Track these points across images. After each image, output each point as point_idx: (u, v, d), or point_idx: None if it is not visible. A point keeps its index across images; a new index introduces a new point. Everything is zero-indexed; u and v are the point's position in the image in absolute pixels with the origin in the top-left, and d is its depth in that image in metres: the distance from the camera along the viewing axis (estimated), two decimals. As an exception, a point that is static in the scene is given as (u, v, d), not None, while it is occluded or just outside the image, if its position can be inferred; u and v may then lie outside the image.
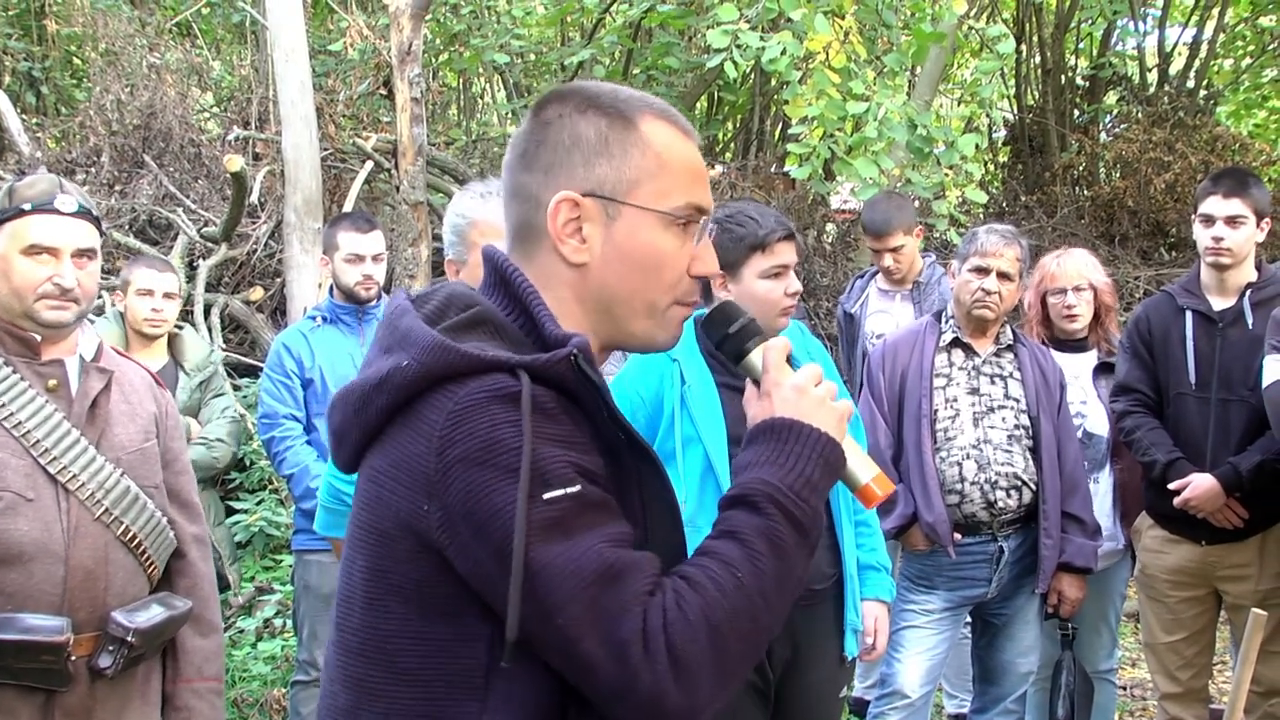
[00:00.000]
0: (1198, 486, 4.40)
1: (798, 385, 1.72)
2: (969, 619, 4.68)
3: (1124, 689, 6.19)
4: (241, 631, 6.54)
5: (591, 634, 1.48)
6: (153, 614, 2.86)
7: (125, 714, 2.92)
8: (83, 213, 2.93)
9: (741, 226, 3.52)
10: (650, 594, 1.51)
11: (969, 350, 4.48)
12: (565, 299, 1.71)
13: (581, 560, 1.48)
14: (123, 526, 2.86)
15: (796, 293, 3.50)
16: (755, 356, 1.82)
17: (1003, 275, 4.36)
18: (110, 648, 2.81)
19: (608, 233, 1.69)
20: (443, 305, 1.69)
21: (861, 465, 1.78)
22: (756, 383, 1.81)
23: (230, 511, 6.59)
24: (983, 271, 4.37)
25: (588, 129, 1.70)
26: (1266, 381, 4.16)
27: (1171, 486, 4.45)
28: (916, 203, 9.46)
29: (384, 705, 1.61)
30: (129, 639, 2.80)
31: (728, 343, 1.84)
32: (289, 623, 6.27)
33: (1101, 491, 4.76)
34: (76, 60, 13.33)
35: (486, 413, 1.52)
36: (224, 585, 5.30)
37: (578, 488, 1.52)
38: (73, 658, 2.75)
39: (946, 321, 4.54)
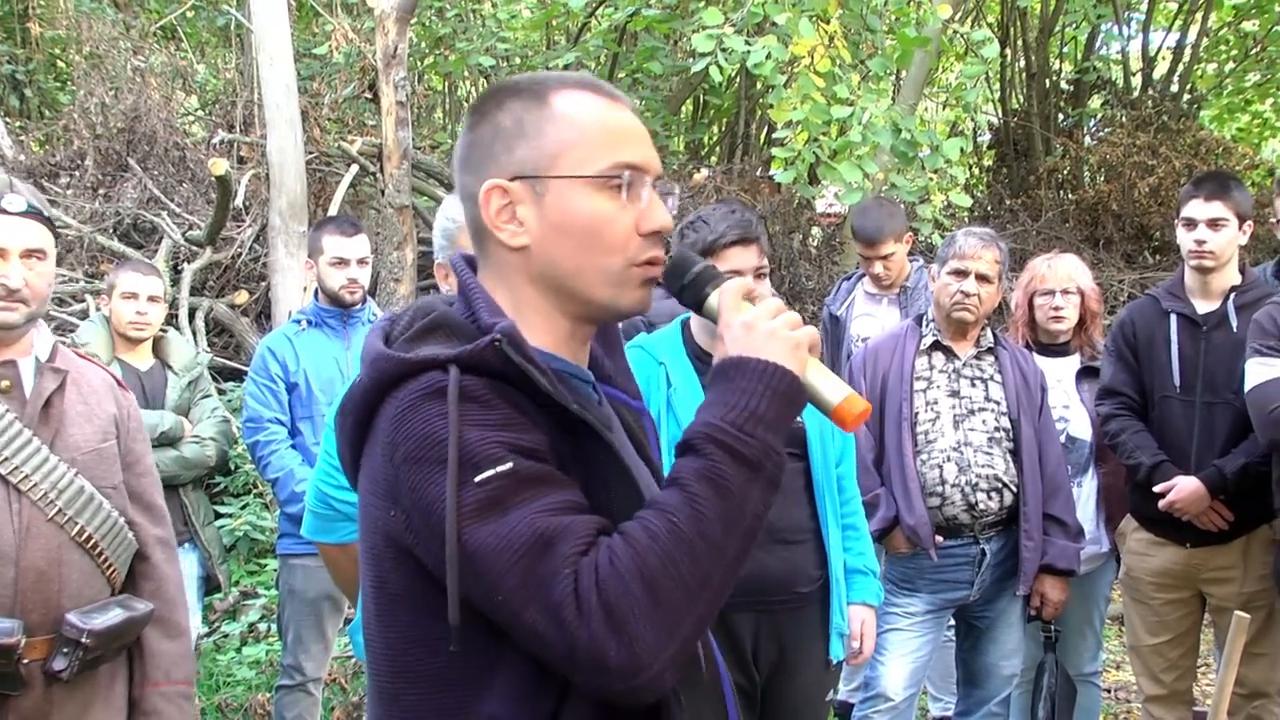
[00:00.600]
0: (1182, 489, 4.41)
1: (746, 322, 1.69)
2: (953, 622, 4.68)
3: (1109, 691, 6.21)
4: (226, 636, 6.53)
5: (530, 604, 1.48)
6: (111, 616, 2.81)
7: (86, 718, 2.88)
8: (32, 212, 2.90)
9: (695, 232, 3.53)
10: (583, 554, 1.50)
11: (949, 353, 4.49)
12: (519, 285, 1.74)
13: (513, 534, 1.49)
14: (77, 527, 2.81)
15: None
16: (713, 301, 1.79)
17: (981, 277, 4.37)
18: (65, 650, 2.76)
19: (540, 211, 1.70)
20: (410, 318, 1.73)
21: (830, 388, 1.72)
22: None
23: (215, 515, 6.57)
24: (961, 274, 4.38)
25: (505, 118, 1.73)
26: (1249, 385, 4.17)
27: (1156, 489, 4.46)
28: (901, 206, 9.49)
29: (406, 709, 1.65)
30: (84, 640, 2.74)
31: (686, 292, 1.81)
32: (274, 627, 6.26)
33: (1084, 495, 4.77)
34: (60, 63, 13.31)
35: (420, 411, 1.55)
36: (215, 587, 5.29)
37: (509, 465, 1.53)
38: (25, 660, 2.70)
39: (927, 325, 4.55)
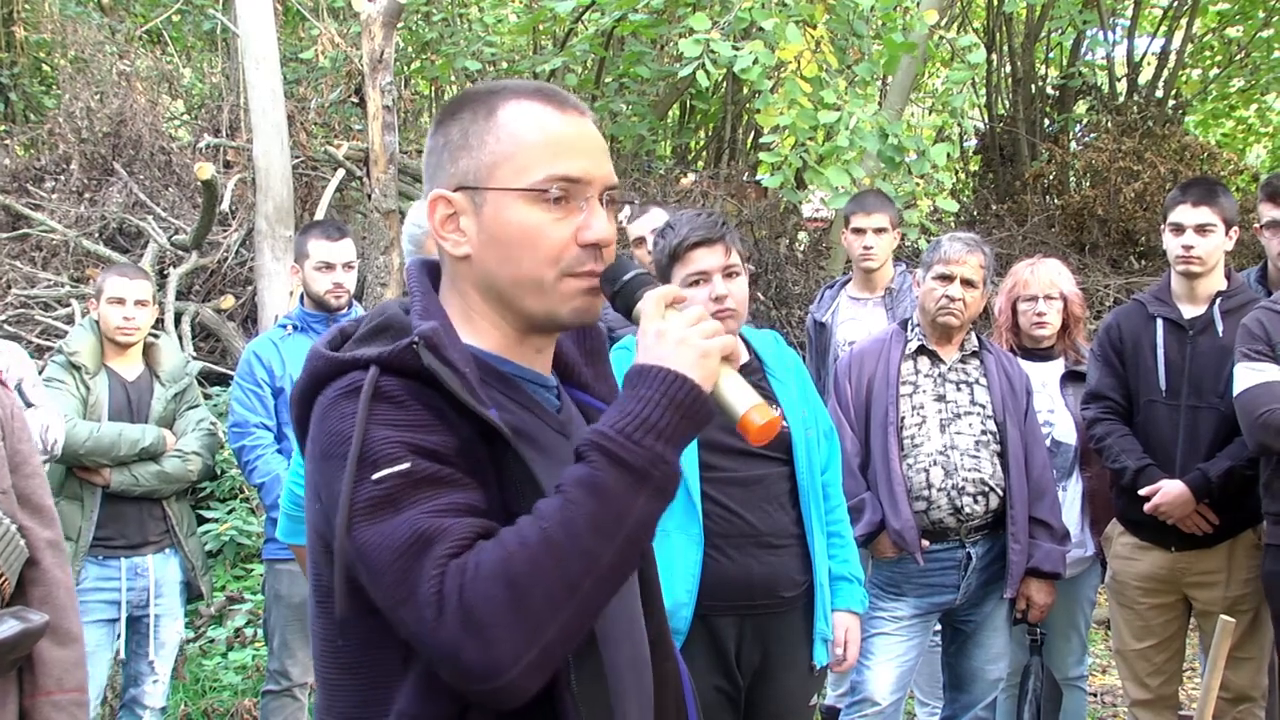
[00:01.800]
0: (1168, 493, 4.42)
1: (659, 330, 1.68)
2: (939, 626, 4.69)
3: (1094, 696, 6.22)
4: (212, 641, 6.52)
5: (404, 602, 1.51)
6: (6, 628, 2.71)
7: None
8: None
9: (664, 238, 3.56)
10: (454, 555, 1.51)
11: (935, 357, 4.50)
12: (467, 292, 1.78)
13: (395, 533, 1.52)
14: None
15: (721, 298, 3.43)
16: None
17: (966, 282, 4.38)
18: None
19: (479, 221, 1.74)
20: (366, 320, 1.77)
21: (739, 396, 1.71)
22: None
23: (201, 520, 6.56)
24: (946, 279, 4.39)
25: (454, 130, 1.77)
26: (1237, 389, 4.18)
27: (1142, 493, 4.47)
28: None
29: (339, 697, 1.69)
30: None
31: (618, 298, 1.80)
32: (260, 632, 6.25)
33: (1069, 499, 4.78)
34: (46, 67, 13.27)
35: (337, 409, 1.61)
36: (196, 595, 5.28)
37: (406, 465, 1.55)
38: None
39: (912, 330, 4.55)
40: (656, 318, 1.71)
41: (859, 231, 5.85)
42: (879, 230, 5.79)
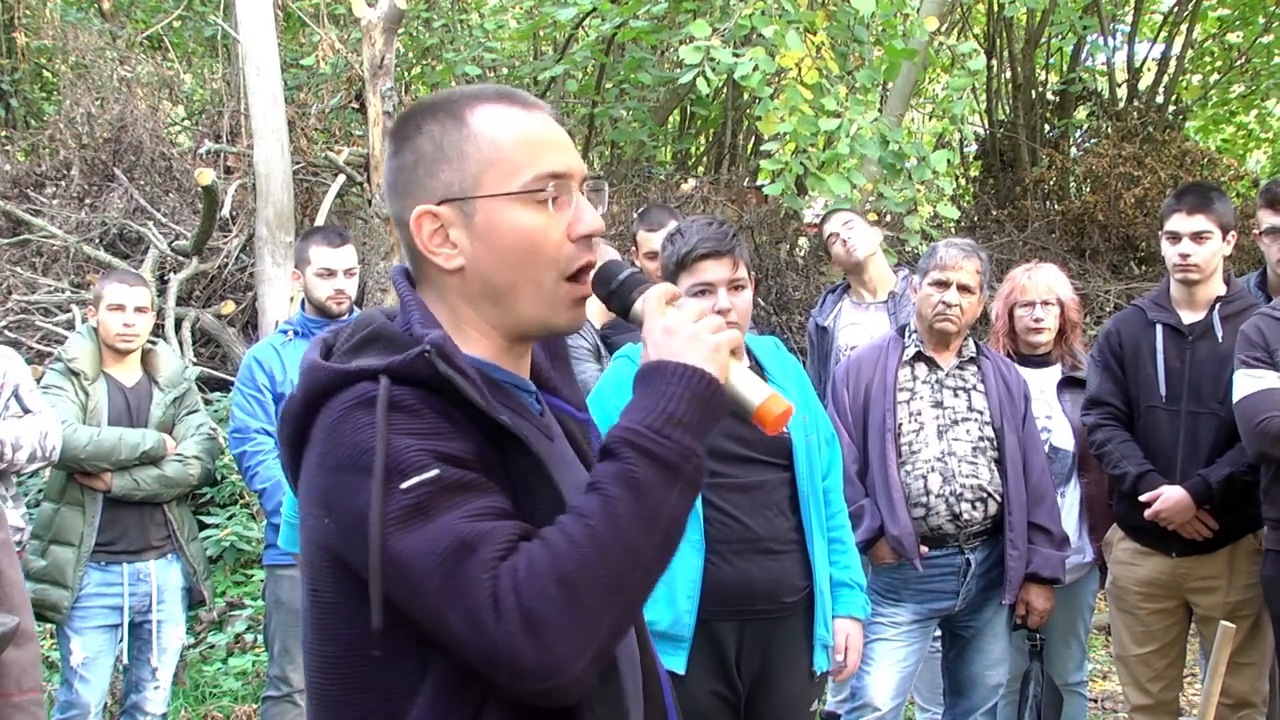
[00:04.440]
0: (1168, 499, 4.42)
1: (667, 326, 1.71)
2: (939, 631, 4.69)
3: (1095, 701, 6.22)
4: (212, 647, 6.52)
5: (450, 608, 1.50)
6: None
7: None
8: None
9: (672, 244, 3.56)
10: (502, 558, 1.51)
11: (932, 364, 4.49)
12: (456, 304, 1.76)
13: (435, 539, 1.51)
14: None
15: (725, 311, 3.38)
16: (640, 306, 1.80)
17: (963, 288, 4.38)
18: None
19: (471, 231, 1.72)
20: (351, 331, 1.75)
21: (752, 390, 1.74)
22: None
23: (202, 526, 6.56)
24: (943, 285, 4.39)
25: (424, 142, 1.74)
26: (1237, 396, 4.18)
27: (1142, 499, 4.47)
28: (889, 218, 9.52)
29: (347, 713, 1.66)
30: None
31: (614, 298, 1.82)
32: (260, 638, 6.25)
33: (1067, 505, 4.77)
34: (46, 73, 13.28)
35: (350, 421, 1.58)
36: (198, 601, 5.28)
37: (435, 472, 1.54)
38: None
39: (909, 336, 4.55)
40: (661, 315, 1.73)
41: (833, 236, 5.96)
42: (847, 223, 5.87)
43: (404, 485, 1.53)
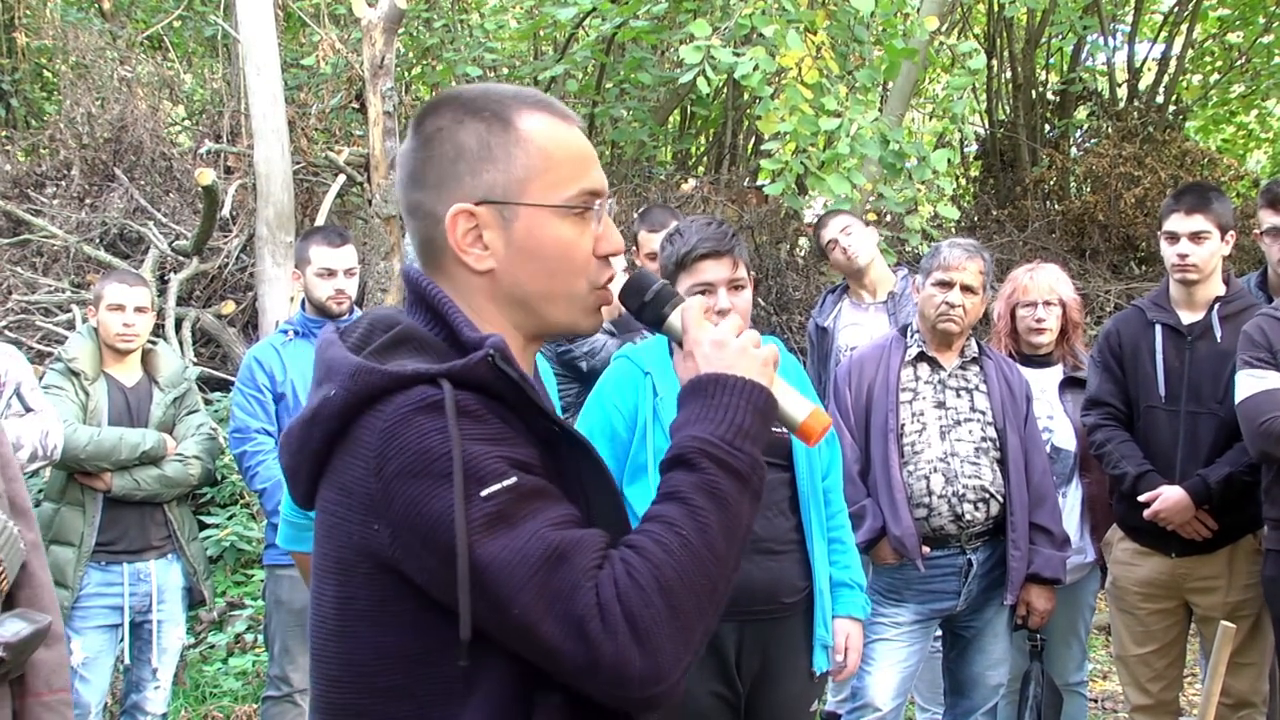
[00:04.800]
0: (1167, 499, 4.42)
1: (717, 340, 1.75)
2: (939, 631, 4.69)
3: (1095, 701, 6.22)
4: (212, 647, 6.51)
5: (548, 617, 1.50)
6: (17, 629, 2.70)
7: None
8: None
9: (672, 244, 3.55)
10: (599, 567, 1.52)
11: (934, 364, 4.49)
12: (481, 304, 1.74)
13: (526, 548, 1.51)
14: None
15: (725, 312, 3.39)
16: (675, 319, 1.83)
17: (966, 288, 4.38)
18: None
19: (508, 236, 1.71)
20: (367, 331, 1.73)
21: (795, 405, 1.80)
22: (680, 345, 1.84)
23: (202, 526, 6.56)
24: (946, 285, 4.39)
25: (468, 138, 1.72)
26: (1239, 396, 4.18)
27: (1142, 499, 4.47)
28: (889, 218, 9.52)
29: None
30: (1, 655, 2.65)
31: (646, 310, 1.85)
32: (260, 638, 6.25)
33: (1069, 505, 4.77)
34: (47, 73, 13.28)
35: (414, 425, 1.54)
36: (198, 601, 5.28)
37: (513, 479, 1.54)
38: None
39: (912, 336, 4.55)
40: (707, 327, 1.77)
41: (833, 243, 5.95)
42: (845, 229, 5.86)
43: (484, 493, 1.52)
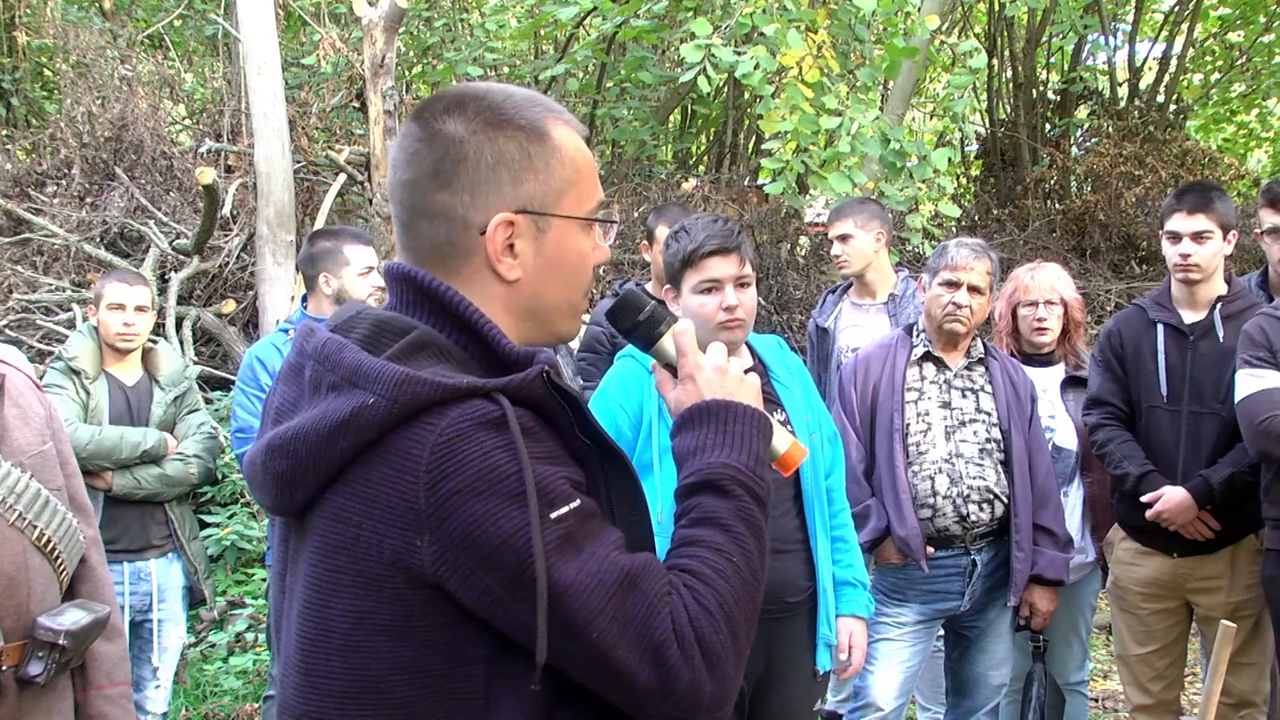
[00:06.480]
0: (1169, 499, 4.42)
1: (718, 366, 1.80)
2: (942, 631, 4.68)
3: (1095, 701, 6.22)
4: (213, 646, 6.51)
5: (624, 641, 1.51)
6: (77, 618, 2.75)
7: None
8: None
9: (677, 241, 3.55)
10: (668, 593, 1.55)
11: (940, 364, 4.48)
12: (495, 311, 1.69)
13: (601, 572, 1.52)
14: (37, 531, 2.74)
15: (732, 308, 3.44)
16: (667, 341, 1.86)
17: (973, 289, 4.37)
18: (39, 654, 2.68)
19: (538, 245, 1.70)
20: (374, 332, 1.65)
21: (780, 436, 1.86)
22: (668, 367, 1.86)
23: (202, 525, 6.55)
24: (953, 285, 4.38)
25: (508, 145, 1.67)
26: (1239, 396, 4.18)
27: (1144, 499, 4.46)
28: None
29: None
30: (60, 643, 2.67)
31: (638, 330, 1.86)
32: (261, 637, 6.25)
33: (1071, 505, 4.77)
34: (47, 72, 13.29)
35: (475, 441, 1.50)
36: (199, 599, 5.27)
37: (577, 502, 1.54)
38: (2, 668, 2.65)
39: (917, 335, 4.54)
40: (701, 353, 1.82)
41: (830, 242, 5.97)
42: (842, 237, 5.84)
43: (554, 515, 1.51)
